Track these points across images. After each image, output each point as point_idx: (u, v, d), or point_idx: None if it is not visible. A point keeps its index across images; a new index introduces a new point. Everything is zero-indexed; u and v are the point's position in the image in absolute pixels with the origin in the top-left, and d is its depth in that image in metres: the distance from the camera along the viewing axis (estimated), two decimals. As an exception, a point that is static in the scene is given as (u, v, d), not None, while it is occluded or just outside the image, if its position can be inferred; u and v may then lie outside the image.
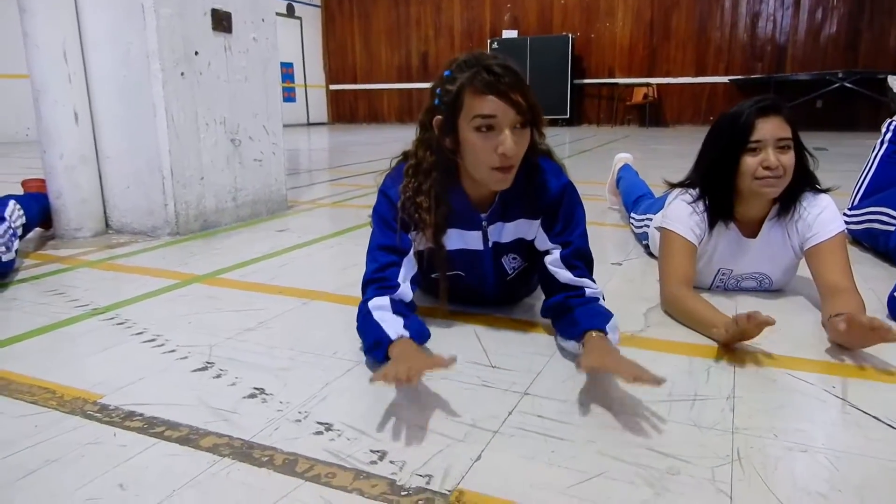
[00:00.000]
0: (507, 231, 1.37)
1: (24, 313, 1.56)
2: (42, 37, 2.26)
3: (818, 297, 1.48)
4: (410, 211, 1.28)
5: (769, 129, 1.41)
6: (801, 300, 1.62)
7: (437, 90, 1.23)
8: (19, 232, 2.03)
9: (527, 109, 1.16)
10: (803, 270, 1.59)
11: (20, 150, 6.48)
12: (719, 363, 1.23)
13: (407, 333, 1.14)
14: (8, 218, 1.97)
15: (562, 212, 1.31)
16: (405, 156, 1.36)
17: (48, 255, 2.16)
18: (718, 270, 1.62)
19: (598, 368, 1.04)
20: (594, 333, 1.15)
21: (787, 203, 1.50)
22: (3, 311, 1.58)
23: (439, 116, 1.23)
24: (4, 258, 1.78)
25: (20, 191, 2.58)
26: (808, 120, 9.12)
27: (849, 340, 1.25)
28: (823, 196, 1.52)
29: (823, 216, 1.49)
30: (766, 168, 1.41)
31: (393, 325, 1.15)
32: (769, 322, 1.15)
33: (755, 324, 1.16)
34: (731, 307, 1.55)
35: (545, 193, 1.30)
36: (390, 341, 1.12)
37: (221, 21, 2.55)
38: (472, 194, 1.32)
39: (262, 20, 2.78)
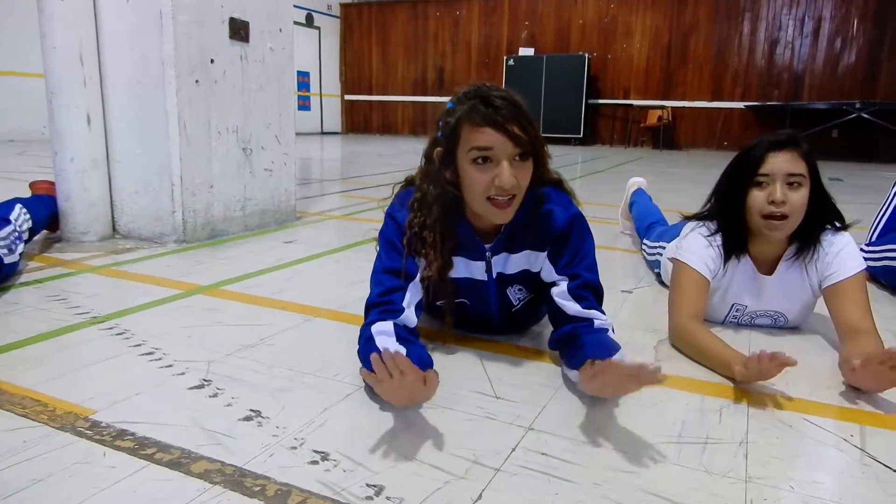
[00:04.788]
0: (513, 262, 1.33)
1: (24, 319, 1.53)
2: (59, 39, 2.27)
3: (836, 335, 1.44)
4: (417, 246, 1.26)
5: (779, 163, 1.37)
6: (818, 339, 1.57)
7: (440, 122, 1.21)
8: (25, 236, 2.02)
9: (526, 142, 1.14)
10: (820, 307, 1.55)
11: (36, 149, 6.53)
12: (733, 404, 1.19)
13: (405, 352, 1.10)
14: (13, 221, 1.96)
15: (569, 244, 1.28)
16: (407, 182, 1.34)
17: (53, 258, 2.14)
18: (732, 306, 1.58)
19: (599, 374, 1.03)
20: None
21: (805, 242, 1.46)
22: (3, 316, 1.56)
23: (440, 148, 1.21)
24: (7, 260, 1.77)
25: (30, 190, 2.57)
26: (823, 149, 9.05)
27: (864, 382, 1.21)
28: (843, 233, 1.48)
29: (843, 254, 1.45)
30: (772, 203, 1.37)
31: (394, 348, 1.11)
32: (791, 363, 1.11)
33: (777, 363, 1.12)
34: (745, 343, 1.51)
35: (552, 224, 1.27)
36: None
37: (239, 30, 2.54)
38: (477, 225, 1.29)
39: (280, 30, 2.78)
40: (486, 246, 1.31)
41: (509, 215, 1.21)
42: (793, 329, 1.62)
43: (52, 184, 2.44)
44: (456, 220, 1.28)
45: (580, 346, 1.19)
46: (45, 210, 2.29)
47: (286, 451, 0.97)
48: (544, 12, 11.55)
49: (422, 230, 1.25)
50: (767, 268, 1.52)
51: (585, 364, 1.08)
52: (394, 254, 1.27)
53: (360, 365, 1.20)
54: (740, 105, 10.30)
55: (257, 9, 2.63)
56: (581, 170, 6.64)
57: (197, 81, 2.38)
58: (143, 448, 0.96)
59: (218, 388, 1.18)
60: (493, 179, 1.14)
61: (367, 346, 1.18)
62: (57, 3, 2.23)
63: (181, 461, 0.93)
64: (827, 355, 1.46)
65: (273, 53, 2.75)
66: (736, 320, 1.62)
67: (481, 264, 1.33)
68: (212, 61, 2.44)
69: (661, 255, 2.01)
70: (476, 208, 1.22)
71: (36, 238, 2.33)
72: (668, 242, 1.90)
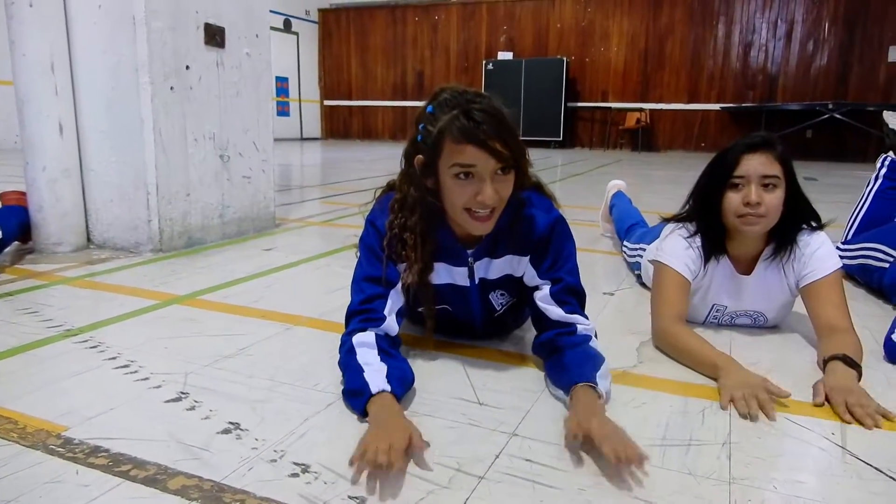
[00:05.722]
0: (495, 267, 1.33)
1: (-6, 333, 1.49)
2: (29, 46, 2.22)
3: (814, 333, 1.45)
4: (397, 248, 1.24)
5: (754, 165, 1.39)
6: (797, 337, 1.58)
7: (420, 125, 1.18)
8: (-5, 247, 1.97)
9: (508, 157, 1.12)
10: (799, 306, 1.56)
11: (7, 158, 6.39)
12: (715, 405, 1.19)
13: (388, 388, 1.08)
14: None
15: (551, 248, 1.27)
16: (389, 187, 1.33)
17: (25, 270, 2.09)
18: (712, 306, 1.59)
19: (582, 436, 0.98)
20: (582, 386, 1.10)
21: (782, 243, 1.48)
22: (-28, 330, 1.51)
23: (420, 156, 1.19)
24: (-23, 273, 1.72)
25: None
26: (798, 149, 9.21)
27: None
28: (819, 233, 1.49)
29: (819, 253, 1.46)
30: (747, 204, 1.39)
31: (375, 376, 1.10)
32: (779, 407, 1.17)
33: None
34: (726, 343, 1.52)
35: (534, 229, 1.26)
36: (371, 395, 1.06)
37: (214, 36, 2.51)
38: (458, 231, 1.28)
39: (256, 36, 2.75)
40: (469, 251, 1.30)
41: (489, 227, 1.19)
42: (772, 328, 1.63)
43: (23, 194, 2.39)
44: (437, 224, 1.27)
45: (564, 367, 1.18)
46: (16, 221, 2.24)
47: (266, 464, 0.95)
48: (522, 17, 11.60)
49: (402, 231, 1.23)
50: (746, 268, 1.53)
51: (571, 420, 1.03)
52: (374, 261, 1.26)
53: (342, 376, 1.18)
54: (716, 107, 10.42)
55: (233, 14, 2.60)
56: (561, 173, 6.67)
57: (172, 88, 2.35)
58: (118, 465, 0.93)
59: (195, 401, 1.15)
60: (475, 195, 1.13)
61: (348, 358, 1.16)
62: (27, 9, 2.19)
63: (158, 477, 0.90)
64: (806, 353, 1.47)
65: (250, 59, 2.72)
66: (716, 321, 1.63)
67: (464, 270, 1.32)
68: (187, 67, 2.41)
69: (641, 256, 2.02)
70: (456, 218, 1.21)
71: (7, 250, 2.27)
72: (649, 244, 1.91)
